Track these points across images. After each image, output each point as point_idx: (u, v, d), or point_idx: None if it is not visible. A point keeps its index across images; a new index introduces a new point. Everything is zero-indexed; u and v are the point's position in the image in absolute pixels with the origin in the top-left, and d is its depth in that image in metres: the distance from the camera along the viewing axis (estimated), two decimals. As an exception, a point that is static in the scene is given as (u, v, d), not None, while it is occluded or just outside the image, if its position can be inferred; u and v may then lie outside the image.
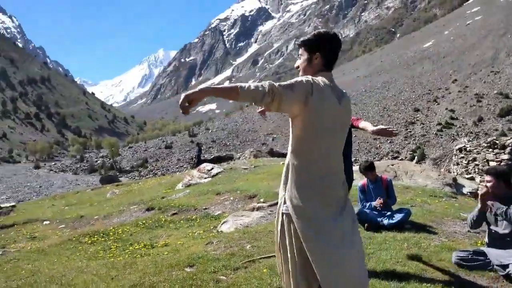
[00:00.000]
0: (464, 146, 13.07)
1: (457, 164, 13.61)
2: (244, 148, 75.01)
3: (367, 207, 5.85)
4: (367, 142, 73.68)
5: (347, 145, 3.84)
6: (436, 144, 63.06)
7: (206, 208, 8.97)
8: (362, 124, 3.96)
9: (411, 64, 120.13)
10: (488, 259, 3.99)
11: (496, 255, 3.92)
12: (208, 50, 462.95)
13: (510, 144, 9.63)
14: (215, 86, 2.24)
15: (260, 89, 2.15)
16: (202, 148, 35.41)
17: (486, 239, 4.28)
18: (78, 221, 10.34)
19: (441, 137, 65.17)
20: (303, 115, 2.24)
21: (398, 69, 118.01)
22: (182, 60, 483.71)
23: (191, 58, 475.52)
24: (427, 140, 66.33)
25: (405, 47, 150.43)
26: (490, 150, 10.94)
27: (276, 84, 2.19)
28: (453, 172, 13.42)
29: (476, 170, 11.82)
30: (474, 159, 12.10)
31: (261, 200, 8.51)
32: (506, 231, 4.01)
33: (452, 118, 64.58)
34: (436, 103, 73.81)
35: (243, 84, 2.17)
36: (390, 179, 6.10)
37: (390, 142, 70.33)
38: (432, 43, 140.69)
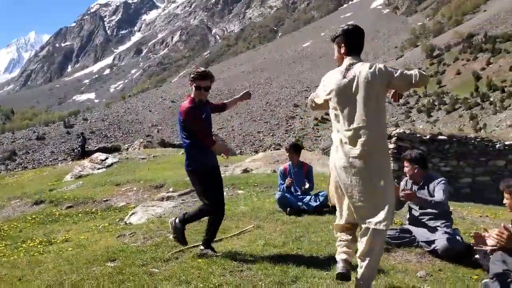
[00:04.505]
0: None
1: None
2: (127, 139, 72.09)
3: (281, 190, 5.85)
4: (251, 135, 76.42)
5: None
6: (313, 138, 67.95)
7: (106, 200, 8.27)
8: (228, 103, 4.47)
9: (291, 63, 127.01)
10: (414, 236, 4.23)
11: (421, 232, 4.17)
12: (86, 36, 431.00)
13: (395, 135, 10.51)
14: None
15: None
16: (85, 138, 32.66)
17: (407, 219, 4.52)
18: None
19: (318, 132, 70.46)
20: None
21: (280, 66, 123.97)
22: (57, 45, 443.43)
23: (67, 43, 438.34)
24: (305, 133, 71.21)
25: (286, 45, 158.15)
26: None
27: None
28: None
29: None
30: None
31: (170, 189, 8.09)
32: (418, 213, 4.29)
33: (327, 113, 69.58)
34: (314, 100, 79.23)
35: None
36: (311, 166, 6.18)
37: (272, 135, 74.23)
38: (310, 43, 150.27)
